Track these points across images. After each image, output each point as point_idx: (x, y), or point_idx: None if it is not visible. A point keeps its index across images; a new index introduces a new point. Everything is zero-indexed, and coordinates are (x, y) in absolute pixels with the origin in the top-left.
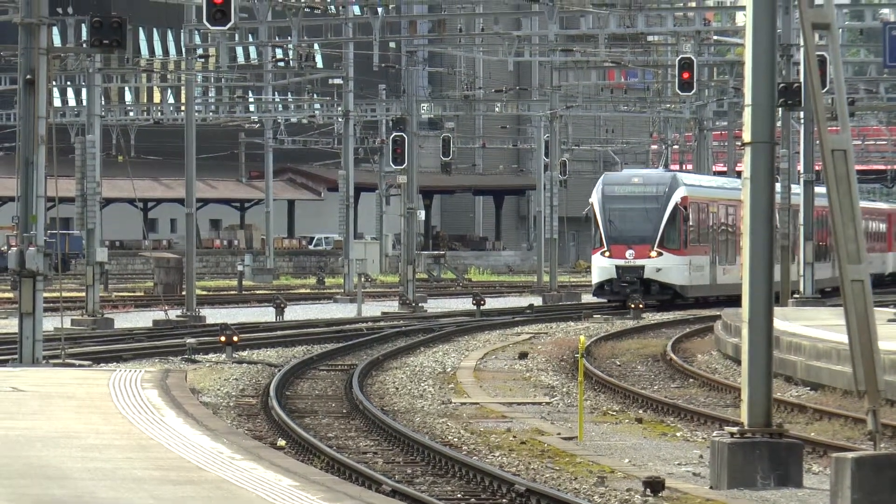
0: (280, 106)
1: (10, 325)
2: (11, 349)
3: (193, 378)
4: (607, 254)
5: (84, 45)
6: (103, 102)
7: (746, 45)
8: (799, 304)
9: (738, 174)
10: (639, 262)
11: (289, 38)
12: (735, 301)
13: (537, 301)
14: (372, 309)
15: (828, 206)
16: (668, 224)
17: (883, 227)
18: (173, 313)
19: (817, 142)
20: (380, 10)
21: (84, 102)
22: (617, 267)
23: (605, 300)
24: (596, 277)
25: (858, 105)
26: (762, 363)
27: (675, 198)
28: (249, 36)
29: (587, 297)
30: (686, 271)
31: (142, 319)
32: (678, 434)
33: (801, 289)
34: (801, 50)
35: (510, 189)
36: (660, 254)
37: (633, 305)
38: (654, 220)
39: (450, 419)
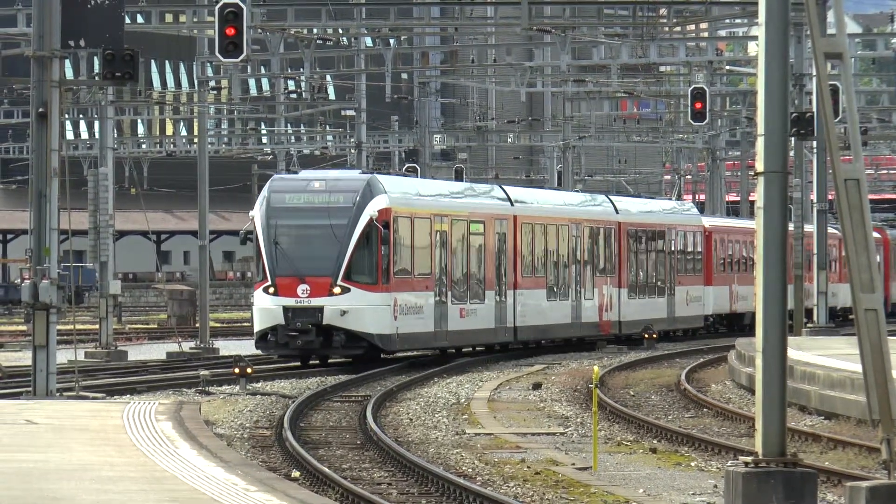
0: (293, 137)
1: (23, 358)
2: (25, 382)
3: (207, 410)
4: (272, 290)
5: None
6: (116, 135)
7: (759, 75)
8: (812, 334)
9: (752, 203)
10: (316, 301)
11: (301, 69)
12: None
13: None
14: None
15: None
16: (358, 247)
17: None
18: (187, 345)
19: (830, 171)
20: (392, 41)
21: (97, 135)
22: (285, 309)
23: (275, 355)
24: (258, 323)
25: (871, 134)
26: (776, 393)
27: (370, 210)
28: (262, 68)
29: None
30: (387, 315)
31: (155, 352)
32: (692, 464)
33: (815, 318)
34: (814, 79)
35: None
36: (346, 290)
37: (646, 336)
38: (338, 242)
39: (464, 450)
